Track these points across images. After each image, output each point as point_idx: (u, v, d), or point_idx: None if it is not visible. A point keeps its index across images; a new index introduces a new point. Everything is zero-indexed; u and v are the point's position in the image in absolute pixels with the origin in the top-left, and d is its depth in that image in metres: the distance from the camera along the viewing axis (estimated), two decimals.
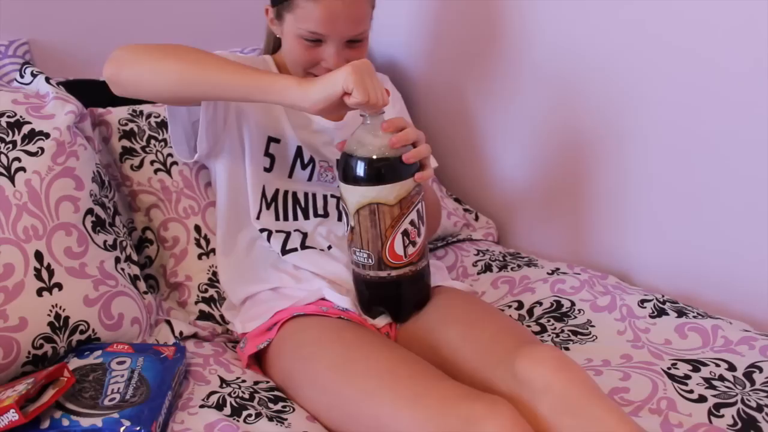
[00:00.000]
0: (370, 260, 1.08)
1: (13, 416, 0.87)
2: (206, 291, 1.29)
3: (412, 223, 1.06)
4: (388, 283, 1.09)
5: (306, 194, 1.25)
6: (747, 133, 1.16)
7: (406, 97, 1.50)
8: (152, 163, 1.34)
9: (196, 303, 1.28)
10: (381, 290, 1.10)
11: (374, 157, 1.03)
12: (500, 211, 1.63)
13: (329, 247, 1.22)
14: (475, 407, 0.86)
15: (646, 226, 1.35)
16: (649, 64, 1.26)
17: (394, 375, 0.95)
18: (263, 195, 1.22)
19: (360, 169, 1.04)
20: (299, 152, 1.24)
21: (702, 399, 1.01)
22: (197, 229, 1.32)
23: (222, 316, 1.27)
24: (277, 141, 1.22)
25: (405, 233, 1.06)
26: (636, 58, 1.28)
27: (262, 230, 1.21)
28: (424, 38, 1.69)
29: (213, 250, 1.31)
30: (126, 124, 1.36)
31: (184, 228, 1.32)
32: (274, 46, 1.33)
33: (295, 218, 1.24)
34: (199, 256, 1.31)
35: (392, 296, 1.12)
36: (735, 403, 0.99)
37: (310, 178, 1.25)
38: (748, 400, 0.99)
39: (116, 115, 1.37)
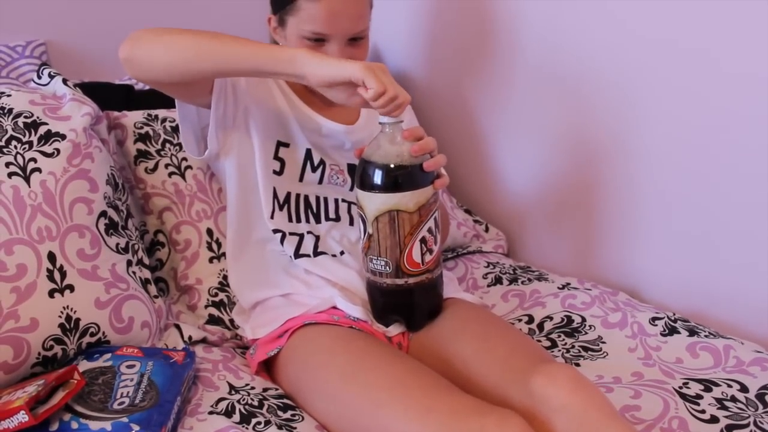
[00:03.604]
0: (387, 268, 1.08)
1: (23, 418, 0.87)
2: (216, 295, 1.29)
3: (429, 230, 1.07)
4: (404, 291, 1.09)
5: (318, 198, 1.25)
6: (759, 150, 1.15)
7: (414, 109, 1.50)
8: (167, 166, 1.34)
9: (206, 307, 1.28)
10: (397, 298, 1.10)
11: (396, 164, 1.04)
12: (510, 223, 1.63)
13: (342, 253, 1.22)
14: (486, 421, 0.86)
15: (657, 243, 1.35)
16: (660, 79, 1.26)
17: (404, 386, 0.95)
18: (275, 196, 1.22)
19: (381, 177, 1.04)
20: (309, 155, 1.24)
21: (714, 420, 1.00)
22: (209, 232, 1.32)
23: (231, 321, 1.27)
24: (287, 145, 1.23)
25: (423, 240, 1.06)
26: (648, 73, 1.28)
27: (275, 231, 1.21)
28: (425, 49, 1.70)
29: (224, 254, 1.31)
30: (141, 128, 1.36)
31: (196, 231, 1.32)
32: None
33: (308, 221, 1.24)
34: (211, 260, 1.31)
35: (408, 304, 1.12)
36: (747, 425, 0.98)
37: (320, 181, 1.25)
38: (761, 423, 0.99)
39: (132, 118, 1.37)
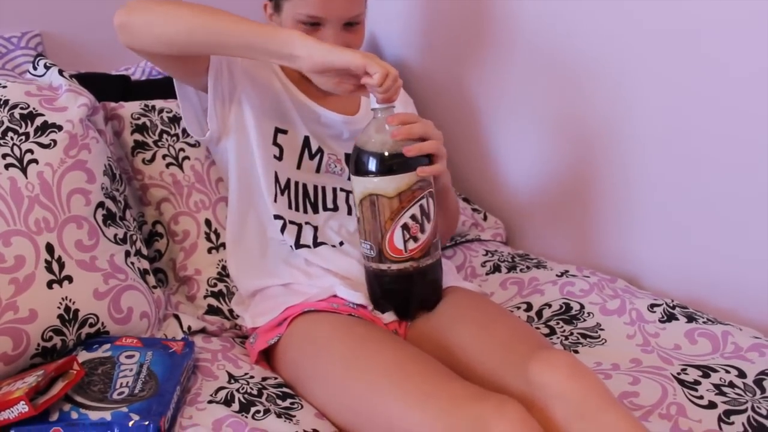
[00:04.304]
0: (372, 252, 1.09)
1: (23, 408, 0.87)
2: (215, 285, 1.29)
3: (413, 217, 1.06)
4: (390, 277, 1.09)
5: (315, 187, 1.25)
6: (756, 139, 1.15)
7: (412, 98, 1.50)
8: (164, 157, 1.34)
9: (205, 297, 1.28)
10: (384, 283, 1.11)
11: (375, 148, 1.05)
12: (509, 211, 1.63)
13: (341, 243, 1.22)
14: (485, 407, 0.86)
15: (655, 230, 1.35)
16: (659, 70, 1.25)
17: (403, 373, 0.95)
18: (277, 180, 1.22)
19: (362, 160, 1.06)
20: (307, 142, 1.24)
21: (712, 405, 1.00)
22: (207, 223, 1.32)
23: (231, 311, 1.27)
24: (284, 132, 1.23)
25: (405, 227, 1.06)
26: (646, 64, 1.27)
27: (276, 217, 1.21)
28: (422, 37, 1.70)
29: (223, 245, 1.30)
30: (138, 118, 1.36)
31: (194, 222, 1.32)
32: None
33: (305, 211, 1.24)
34: (209, 250, 1.31)
35: (394, 291, 1.12)
36: (745, 411, 0.99)
37: (318, 169, 1.25)
38: (759, 408, 0.99)
39: (129, 109, 1.37)
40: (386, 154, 1.05)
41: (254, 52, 1.04)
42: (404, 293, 1.12)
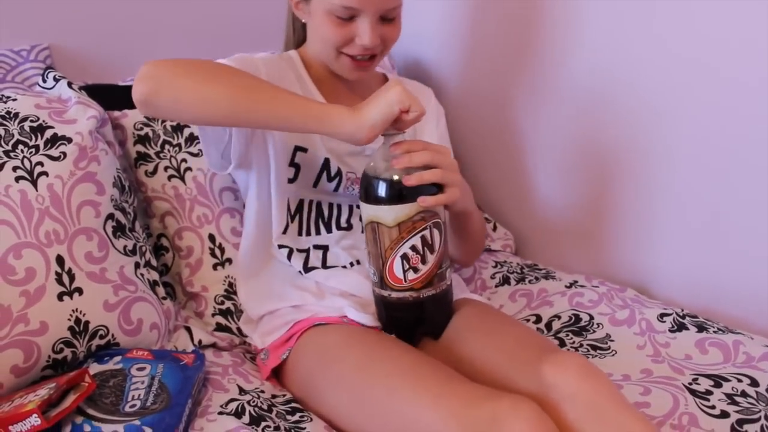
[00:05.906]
0: (375, 277, 1.07)
1: (35, 421, 0.87)
2: (223, 303, 1.27)
3: (413, 248, 1.02)
4: (391, 304, 1.07)
5: (331, 205, 1.22)
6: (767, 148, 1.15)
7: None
8: (166, 169, 1.32)
9: (213, 315, 1.27)
10: (385, 309, 1.09)
11: (377, 175, 1.02)
12: (518, 221, 1.63)
13: (351, 264, 1.20)
14: (500, 406, 0.85)
15: (665, 239, 1.35)
16: (674, 80, 1.26)
17: (417, 374, 0.94)
18: (288, 208, 1.19)
19: (365, 186, 1.03)
20: (326, 164, 1.19)
21: (725, 415, 1.00)
22: (211, 238, 1.30)
23: (239, 329, 1.26)
24: (305, 150, 1.18)
25: (405, 257, 1.03)
26: (661, 75, 1.27)
27: (281, 246, 1.18)
28: (453, 48, 1.69)
29: (228, 260, 1.29)
30: (141, 129, 1.34)
31: (198, 237, 1.30)
32: (296, 39, 1.28)
33: (318, 233, 1.21)
34: (215, 266, 1.29)
35: (394, 317, 1.10)
36: (758, 419, 0.98)
37: (336, 190, 1.21)
38: None
39: (132, 118, 1.35)
40: (385, 182, 1.01)
41: (306, 132, 1.03)
42: (404, 321, 1.10)
